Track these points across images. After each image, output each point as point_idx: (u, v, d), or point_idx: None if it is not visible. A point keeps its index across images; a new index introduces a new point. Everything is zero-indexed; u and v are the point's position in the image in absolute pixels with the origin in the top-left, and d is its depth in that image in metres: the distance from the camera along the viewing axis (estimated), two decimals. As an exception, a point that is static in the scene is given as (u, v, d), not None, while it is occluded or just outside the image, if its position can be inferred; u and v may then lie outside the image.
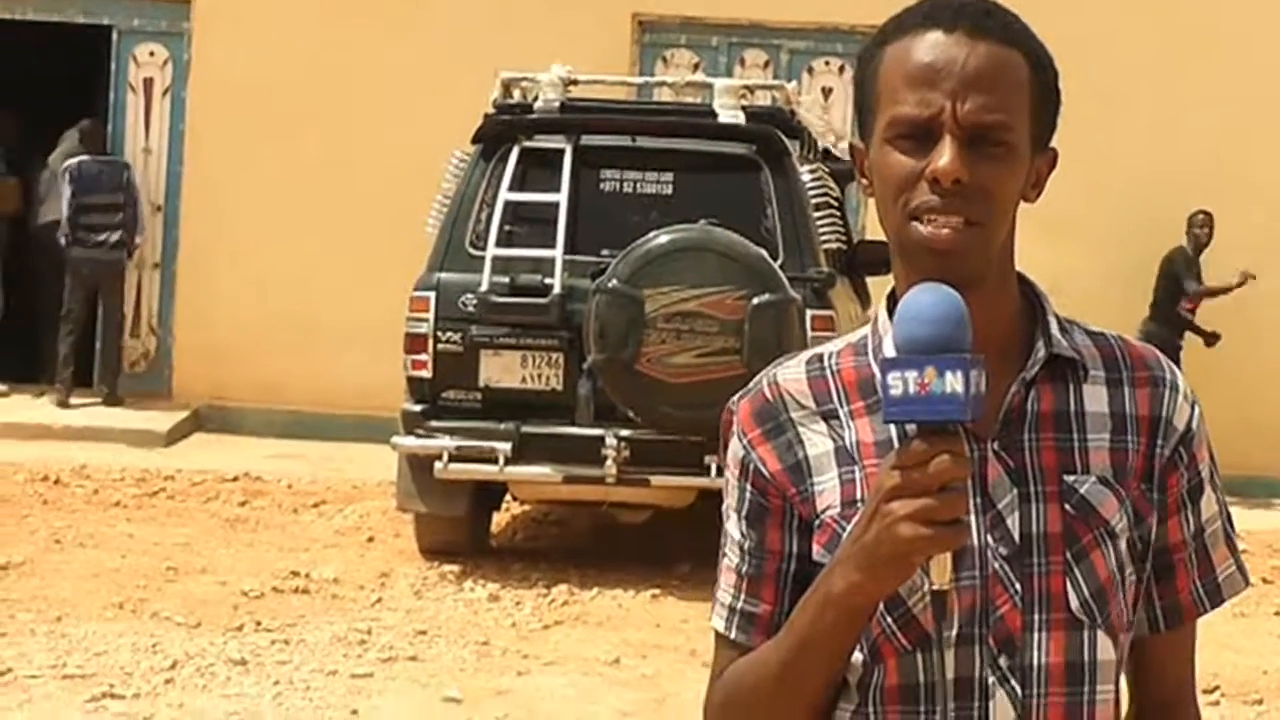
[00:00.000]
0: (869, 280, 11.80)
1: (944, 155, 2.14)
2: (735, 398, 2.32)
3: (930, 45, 2.18)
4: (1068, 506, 2.22)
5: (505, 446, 9.83)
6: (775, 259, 9.81)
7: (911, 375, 2.05)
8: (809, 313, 9.77)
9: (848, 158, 11.82)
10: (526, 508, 11.53)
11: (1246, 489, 12.76)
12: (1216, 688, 8.31)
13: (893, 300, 2.24)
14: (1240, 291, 13.62)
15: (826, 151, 11.62)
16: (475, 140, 10.40)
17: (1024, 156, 2.21)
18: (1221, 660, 8.69)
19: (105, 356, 14.53)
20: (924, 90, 2.16)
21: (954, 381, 2.03)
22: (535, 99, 10.54)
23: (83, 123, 14.81)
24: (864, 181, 2.27)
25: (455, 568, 10.01)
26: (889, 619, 2.19)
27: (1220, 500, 2.34)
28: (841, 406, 2.26)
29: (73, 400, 14.29)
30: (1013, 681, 2.19)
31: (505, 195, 10.16)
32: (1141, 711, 2.33)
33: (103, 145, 14.67)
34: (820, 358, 2.31)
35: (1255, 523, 11.85)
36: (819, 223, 10.24)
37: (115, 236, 14.29)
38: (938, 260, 2.15)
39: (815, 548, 2.23)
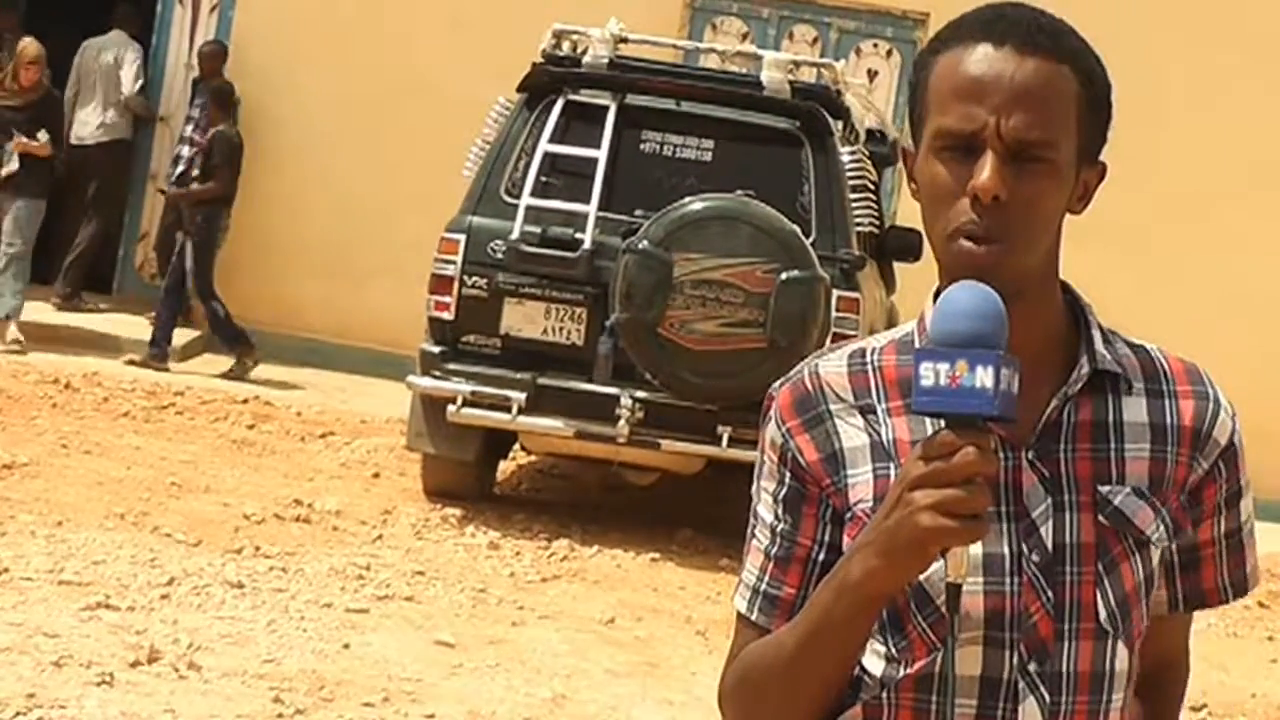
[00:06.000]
0: (896, 266, 11.77)
1: (984, 171, 2.16)
2: (777, 384, 2.34)
3: (979, 59, 2.20)
4: (1101, 517, 2.25)
5: (520, 396, 9.84)
6: (808, 236, 9.79)
7: (943, 367, 2.07)
8: (836, 293, 9.76)
9: (887, 143, 11.85)
10: (534, 459, 11.53)
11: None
12: (1204, 705, 8.31)
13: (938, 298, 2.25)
14: None
15: (870, 133, 11.57)
16: (521, 89, 10.39)
17: (1068, 172, 2.22)
18: (1210, 679, 8.68)
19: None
20: (969, 104, 2.18)
21: (984, 376, 2.06)
22: (584, 53, 10.52)
23: (204, 45, 14.74)
24: (912, 186, 2.29)
25: (458, 512, 10.03)
26: (919, 617, 2.23)
27: (1250, 503, 2.39)
28: (880, 403, 2.29)
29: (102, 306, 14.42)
30: (1042, 688, 2.23)
31: (545, 146, 10.15)
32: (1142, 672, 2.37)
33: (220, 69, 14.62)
34: (863, 352, 2.33)
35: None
36: (854, 204, 10.22)
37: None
38: (976, 276, 2.16)
39: (846, 539, 2.26)
